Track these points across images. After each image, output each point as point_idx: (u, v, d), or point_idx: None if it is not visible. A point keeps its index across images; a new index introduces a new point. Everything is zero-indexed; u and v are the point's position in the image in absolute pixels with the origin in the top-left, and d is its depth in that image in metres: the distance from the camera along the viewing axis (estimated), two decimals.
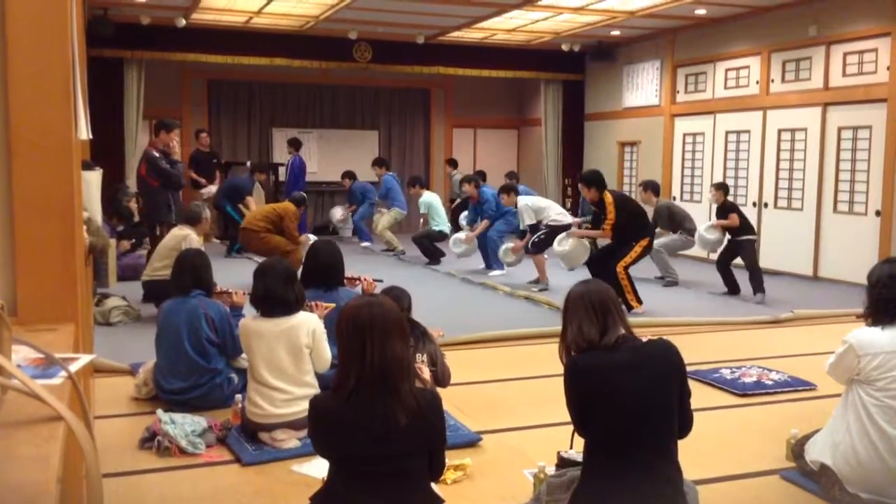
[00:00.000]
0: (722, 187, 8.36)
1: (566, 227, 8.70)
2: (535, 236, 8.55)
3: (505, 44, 12.92)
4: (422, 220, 11.16)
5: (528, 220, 8.69)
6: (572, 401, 2.60)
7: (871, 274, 3.34)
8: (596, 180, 7.33)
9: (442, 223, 10.58)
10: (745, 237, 8.04)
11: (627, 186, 12.50)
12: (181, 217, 7.65)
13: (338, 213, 12.56)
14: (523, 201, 8.78)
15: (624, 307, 2.78)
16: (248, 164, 12.18)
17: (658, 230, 8.87)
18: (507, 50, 13.13)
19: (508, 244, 9.05)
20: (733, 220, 8.02)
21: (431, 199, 10.76)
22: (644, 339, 2.67)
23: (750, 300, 7.92)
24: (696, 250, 10.80)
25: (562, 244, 8.01)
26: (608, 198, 7.23)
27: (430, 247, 10.42)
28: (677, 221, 9.06)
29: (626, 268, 7.18)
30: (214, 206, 11.25)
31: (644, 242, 7.27)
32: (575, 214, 10.53)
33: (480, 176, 11.46)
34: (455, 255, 9.91)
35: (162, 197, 7.52)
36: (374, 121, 14.29)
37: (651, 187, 9.09)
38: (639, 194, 9.21)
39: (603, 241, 8.42)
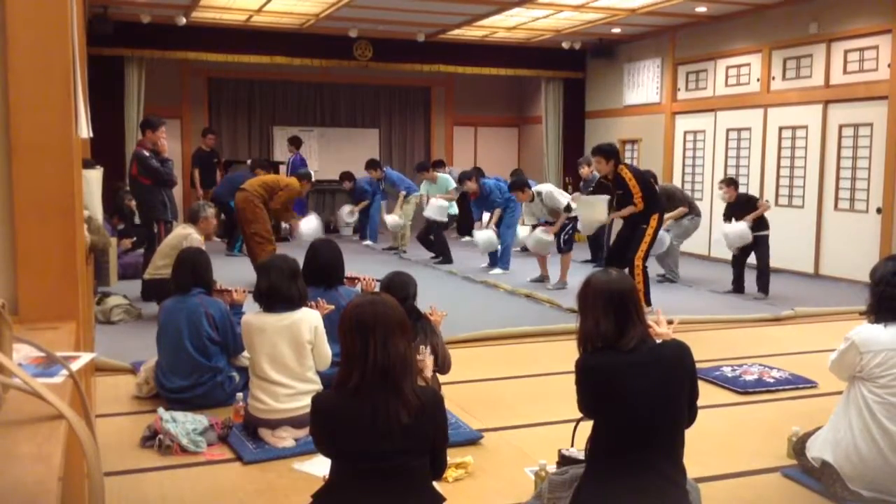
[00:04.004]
0: (732, 183, 8.14)
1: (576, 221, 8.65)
2: (564, 233, 8.48)
3: (505, 42, 12.91)
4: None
5: (564, 199, 8.42)
6: (582, 398, 2.60)
7: (874, 271, 3.34)
8: (614, 152, 7.13)
9: (450, 206, 10.40)
10: (762, 232, 7.92)
11: None
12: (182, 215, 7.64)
13: (345, 210, 12.11)
14: (548, 188, 8.61)
15: None
16: (249, 161, 12.11)
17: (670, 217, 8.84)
18: (508, 48, 13.12)
19: (540, 234, 8.46)
20: (764, 206, 7.92)
21: (447, 180, 10.50)
22: (658, 341, 2.66)
23: (751, 296, 7.92)
24: (698, 248, 10.82)
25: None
26: (626, 173, 6.99)
27: (440, 246, 10.25)
28: (679, 205, 8.98)
29: (643, 260, 7.00)
30: (214, 201, 11.22)
31: (654, 221, 7.03)
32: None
33: (479, 172, 11.39)
34: (480, 252, 9.69)
35: (156, 195, 7.50)
36: (374, 119, 14.28)
37: (651, 176, 9.02)
38: None
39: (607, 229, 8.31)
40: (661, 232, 8.58)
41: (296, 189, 8.17)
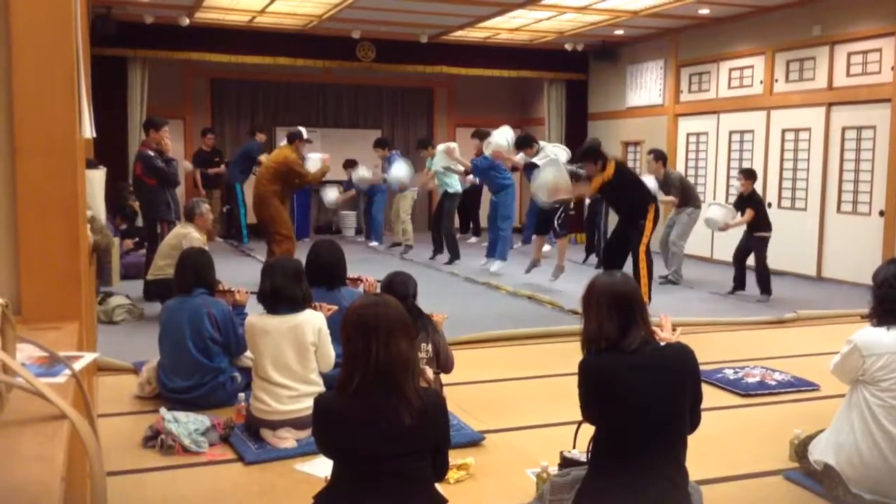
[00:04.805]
0: (751, 175, 8.07)
1: (568, 205, 8.74)
2: (557, 217, 8.53)
3: (508, 43, 12.91)
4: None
5: (556, 153, 8.45)
6: (584, 400, 2.60)
7: (876, 274, 3.33)
8: (593, 151, 7.23)
9: (455, 183, 10.33)
10: (759, 233, 7.92)
11: None
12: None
13: (331, 195, 11.97)
14: (555, 151, 8.60)
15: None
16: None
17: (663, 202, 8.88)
18: (511, 49, 13.11)
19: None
20: (748, 216, 7.89)
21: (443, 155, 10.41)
22: (661, 343, 2.66)
23: (754, 298, 7.92)
24: (700, 250, 10.81)
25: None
26: (611, 166, 7.07)
27: (449, 241, 10.24)
28: (690, 195, 9.01)
29: (647, 251, 7.12)
30: (226, 185, 11.38)
31: (651, 213, 7.18)
32: (579, 202, 10.56)
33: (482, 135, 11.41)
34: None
35: (160, 195, 7.51)
36: (377, 120, 14.29)
37: (662, 157, 9.00)
38: (649, 164, 9.08)
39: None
40: None
41: (293, 156, 8.22)
